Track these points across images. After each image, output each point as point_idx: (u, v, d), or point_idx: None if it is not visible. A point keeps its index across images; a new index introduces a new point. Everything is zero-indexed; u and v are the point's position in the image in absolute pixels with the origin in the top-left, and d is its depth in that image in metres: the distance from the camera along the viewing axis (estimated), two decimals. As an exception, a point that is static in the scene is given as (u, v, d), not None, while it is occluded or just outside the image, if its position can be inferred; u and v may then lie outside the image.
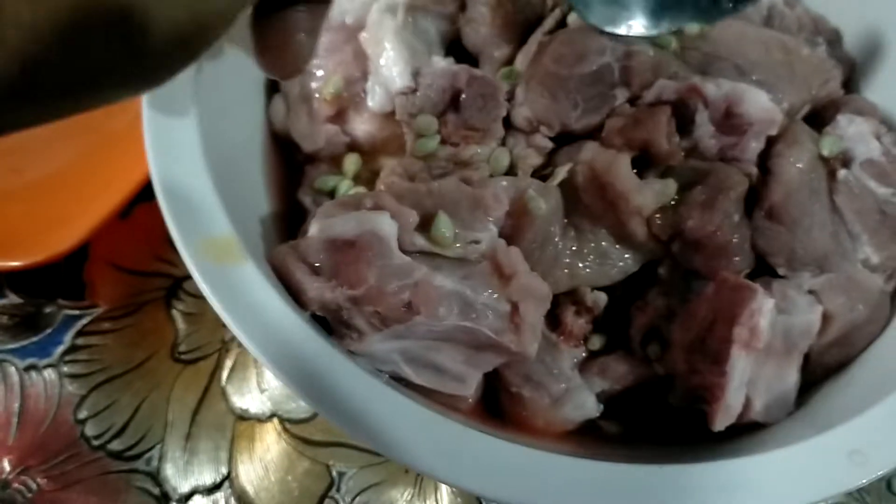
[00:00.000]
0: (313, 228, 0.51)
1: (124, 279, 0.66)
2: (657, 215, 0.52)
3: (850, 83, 0.68)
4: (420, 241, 0.50)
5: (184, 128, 0.51)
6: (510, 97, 0.57)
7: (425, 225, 0.50)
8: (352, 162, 0.59)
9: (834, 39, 0.68)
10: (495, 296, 0.49)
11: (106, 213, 0.62)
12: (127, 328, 0.64)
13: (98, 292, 0.66)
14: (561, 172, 0.53)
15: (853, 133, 0.56)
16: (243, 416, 0.62)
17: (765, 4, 0.64)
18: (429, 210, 0.51)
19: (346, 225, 0.49)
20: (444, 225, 0.50)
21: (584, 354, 0.56)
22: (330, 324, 0.50)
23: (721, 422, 0.50)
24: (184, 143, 0.51)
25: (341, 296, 0.48)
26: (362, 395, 0.45)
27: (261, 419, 0.62)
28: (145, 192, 0.60)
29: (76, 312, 0.65)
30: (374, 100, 0.59)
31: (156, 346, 0.64)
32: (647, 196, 0.51)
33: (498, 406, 0.56)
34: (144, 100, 0.52)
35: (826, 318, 0.53)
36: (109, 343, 0.64)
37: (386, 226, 0.48)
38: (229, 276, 0.46)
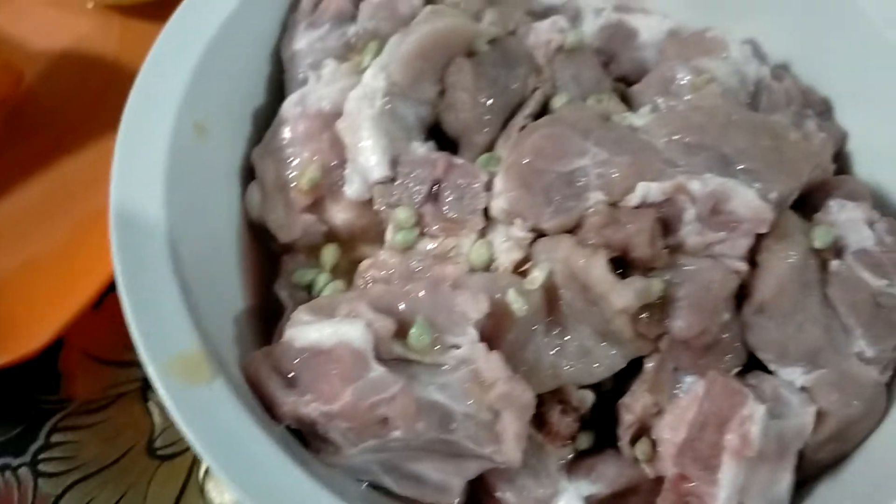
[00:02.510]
0: (287, 335, 0.49)
1: (100, 370, 0.64)
2: (643, 314, 0.51)
3: (842, 155, 0.67)
4: (397, 349, 0.48)
5: (151, 227, 0.50)
6: (490, 186, 0.56)
7: (403, 329, 0.48)
8: (329, 254, 0.57)
9: (824, 110, 0.67)
10: (476, 405, 0.48)
11: (79, 308, 0.61)
12: (102, 423, 0.63)
13: (74, 384, 0.64)
14: (540, 276, 0.51)
15: (845, 220, 0.55)
16: (223, 515, 0.60)
17: (752, 80, 0.63)
18: (406, 314, 0.49)
19: (320, 333, 0.48)
20: (423, 331, 0.48)
21: (570, 455, 0.54)
22: (305, 436, 0.49)
23: (713, 532, 0.48)
24: (151, 247, 0.50)
25: (315, 411, 0.46)
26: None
27: (241, 517, 0.61)
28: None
29: (51, 407, 0.63)
30: (352, 188, 0.57)
31: (132, 440, 0.62)
32: (628, 296, 0.49)
33: (482, 510, 0.54)
34: (112, 197, 0.51)
35: (820, 416, 0.52)
36: (84, 439, 0.62)
37: (360, 337, 0.46)
38: (199, 398, 0.45)
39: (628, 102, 0.64)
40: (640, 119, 0.57)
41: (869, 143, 0.66)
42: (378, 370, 0.46)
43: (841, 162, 0.66)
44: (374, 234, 0.58)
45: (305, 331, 0.48)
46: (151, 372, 0.44)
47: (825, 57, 0.68)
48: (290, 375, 0.48)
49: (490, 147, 0.59)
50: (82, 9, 0.79)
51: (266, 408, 0.48)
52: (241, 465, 0.43)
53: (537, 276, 0.51)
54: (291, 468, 0.44)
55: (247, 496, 0.42)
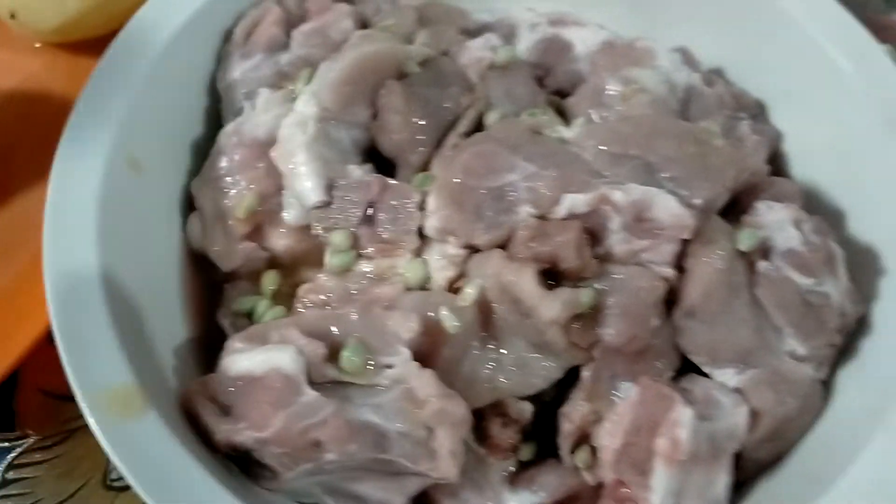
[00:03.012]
0: (222, 364, 0.50)
1: (55, 405, 0.65)
2: (575, 324, 0.51)
3: (778, 155, 0.68)
4: (331, 372, 0.49)
5: (85, 265, 0.51)
6: (424, 205, 0.56)
7: (336, 352, 0.49)
8: (269, 280, 0.58)
9: (758, 113, 0.68)
10: (410, 423, 0.48)
11: (33, 340, 0.62)
12: (58, 458, 0.63)
13: (29, 421, 0.65)
14: (472, 292, 0.52)
15: (772, 221, 0.55)
16: (179, 543, 0.61)
17: (681, 87, 0.64)
18: (338, 337, 0.50)
19: (252, 361, 0.49)
20: (355, 352, 0.49)
21: (513, 467, 0.54)
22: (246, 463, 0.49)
23: (650, 536, 0.49)
24: (85, 284, 0.50)
25: (249, 438, 0.47)
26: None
27: (197, 544, 0.61)
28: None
29: (6, 445, 0.63)
30: (290, 214, 0.58)
31: (88, 474, 0.63)
32: (556, 307, 0.50)
33: (429, 526, 0.54)
34: (45, 237, 0.51)
35: (755, 415, 0.52)
36: (41, 475, 0.63)
37: (291, 363, 0.47)
38: (131, 431, 0.45)
39: (564, 115, 0.65)
40: (569, 131, 0.58)
41: (803, 143, 0.67)
42: (310, 395, 0.47)
43: (777, 162, 0.68)
44: (315, 258, 0.59)
45: (238, 359, 0.49)
46: (83, 406, 0.45)
47: (758, 61, 0.69)
48: (225, 404, 0.49)
49: (426, 166, 0.59)
50: (30, 48, 0.80)
51: (203, 437, 0.48)
52: (173, 495, 0.44)
53: (469, 293, 0.52)
54: (225, 496, 0.45)
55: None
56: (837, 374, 0.57)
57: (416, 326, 0.50)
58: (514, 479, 0.54)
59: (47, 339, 0.62)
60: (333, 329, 0.50)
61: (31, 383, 0.66)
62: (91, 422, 0.45)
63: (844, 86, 0.63)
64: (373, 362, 0.49)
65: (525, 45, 0.69)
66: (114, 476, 0.63)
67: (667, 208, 0.51)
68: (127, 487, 0.62)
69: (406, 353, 0.50)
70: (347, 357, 0.48)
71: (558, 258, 0.52)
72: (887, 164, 0.60)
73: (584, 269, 0.52)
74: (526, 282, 0.51)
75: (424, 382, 0.49)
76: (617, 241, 0.53)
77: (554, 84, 0.69)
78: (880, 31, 0.99)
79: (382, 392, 0.49)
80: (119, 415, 0.46)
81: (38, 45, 0.81)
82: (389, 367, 0.50)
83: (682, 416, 0.48)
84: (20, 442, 0.64)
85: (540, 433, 0.56)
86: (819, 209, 0.61)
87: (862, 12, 0.94)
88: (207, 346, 0.58)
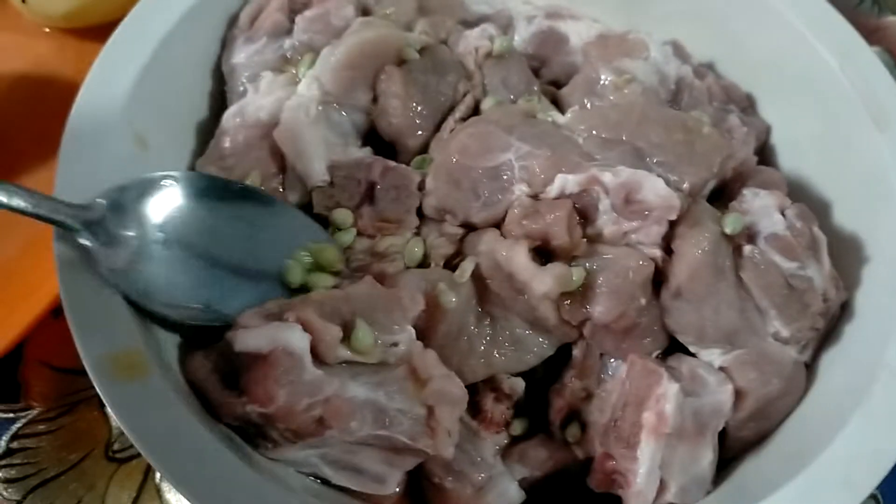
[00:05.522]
0: (227, 337, 0.51)
1: (58, 378, 0.67)
2: (566, 301, 0.53)
3: (767, 148, 0.70)
4: (344, 353, 0.49)
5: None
6: (423, 186, 0.58)
7: (345, 332, 0.50)
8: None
9: (747, 106, 0.70)
10: (410, 402, 0.49)
11: (37, 314, 0.63)
12: (61, 429, 0.65)
13: (33, 393, 0.66)
14: (468, 269, 0.53)
15: (758, 207, 0.57)
16: (179, 514, 0.62)
17: (672, 78, 0.66)
18: (347, 316, 0.51)
19: (259, 339, 0.49)
20: (365, 334, 0.49)
21: (505, 441, 0.56)
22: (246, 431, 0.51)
23: (635, 508, 0.50)
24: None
25: (252, 412, 0.48)
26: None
27: (196, 515, 0.62)
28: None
29: (10, 415, 0.65)
30: (293, 194, 0.59)
31: (90, 445, 0.64)
32: (547, 282, 0.51)
33: (423, 496, 0.56)
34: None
35: (739, 395, 0.54)
36: (44, 445, 0.64)
37: (297, 341, 0.48)
38: (135, 392, 0.47)
39: (559, 105, 0.66)
40: (563, 117, 0.60)
41: (791, 135, 0.69)
42: (314, 373, 0.48)
43: (766, 154, 0.70)
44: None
45: (244, 334, 0.50)
46: (88, 368, 0.46)
47: (748, 55, 0.71)
48: (229, 376, 0.50)
49: (424, 149, 0.61)
50: (39, 32, 0.82)
51: (207, 406, 0.50)
52: (175, 455, 0.45)
53: (466, 269, 0.54)
54: (229, 457, 0.46)
55: (179, 485, 0.44)
56: (821, 357, 0.59)
57: (421, 304, 0.51)
58: (506, 453, 0.56)
59: (52, 314, 0.64)
60: (343, 307, 0.51)
61: (35, 357, 0.67)
62: (95, 383, 0.46)
63: (831, 81, 0.65)
64: (380, 341, 0.51)
65: (522, 36, 0.71)
66: (116, 447, 0.64)
67: (654, 190, 0.53)
68: (128, 459, 0.64)
69: (411, 331, 0.51)
70: (360, 337, 0.49)
71: (550, 236, 0.53)
72: (871, 157, 0.62)
73: (575, 247, 0.54)
74: (519, 257, 0.53)
75: (427, 362, 0.50)
76: (607, 222, 0.54)
77: (550, 75, 0.70)
78: (871, 34, 1.02)
79: (386, 370, 0.50)
80: (123, 376, 0.47)
81: (47, 30, 0.82)
82: (395, 345, 0.51)
83: (669, 391, 0.50)
84: (24, 413, 0.65)
85: (531, 409, 0.58)
86: (806, 200, 0.63)
87: (853, 14, 0.97)
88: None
